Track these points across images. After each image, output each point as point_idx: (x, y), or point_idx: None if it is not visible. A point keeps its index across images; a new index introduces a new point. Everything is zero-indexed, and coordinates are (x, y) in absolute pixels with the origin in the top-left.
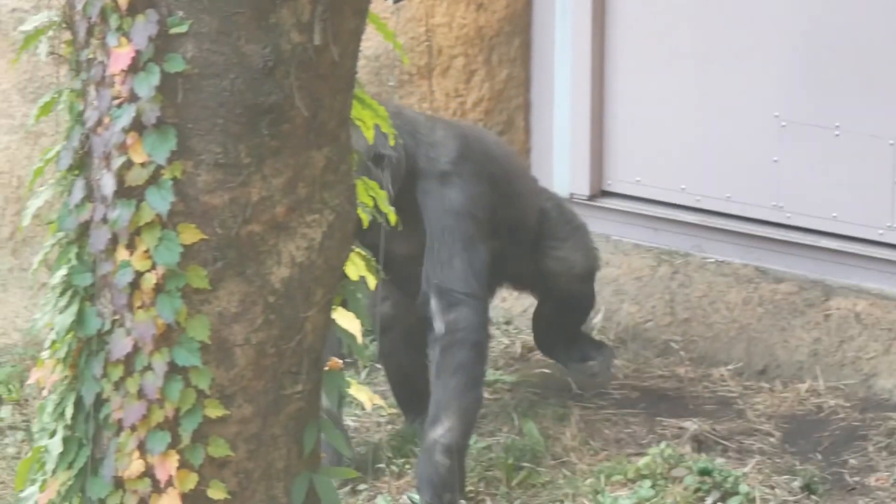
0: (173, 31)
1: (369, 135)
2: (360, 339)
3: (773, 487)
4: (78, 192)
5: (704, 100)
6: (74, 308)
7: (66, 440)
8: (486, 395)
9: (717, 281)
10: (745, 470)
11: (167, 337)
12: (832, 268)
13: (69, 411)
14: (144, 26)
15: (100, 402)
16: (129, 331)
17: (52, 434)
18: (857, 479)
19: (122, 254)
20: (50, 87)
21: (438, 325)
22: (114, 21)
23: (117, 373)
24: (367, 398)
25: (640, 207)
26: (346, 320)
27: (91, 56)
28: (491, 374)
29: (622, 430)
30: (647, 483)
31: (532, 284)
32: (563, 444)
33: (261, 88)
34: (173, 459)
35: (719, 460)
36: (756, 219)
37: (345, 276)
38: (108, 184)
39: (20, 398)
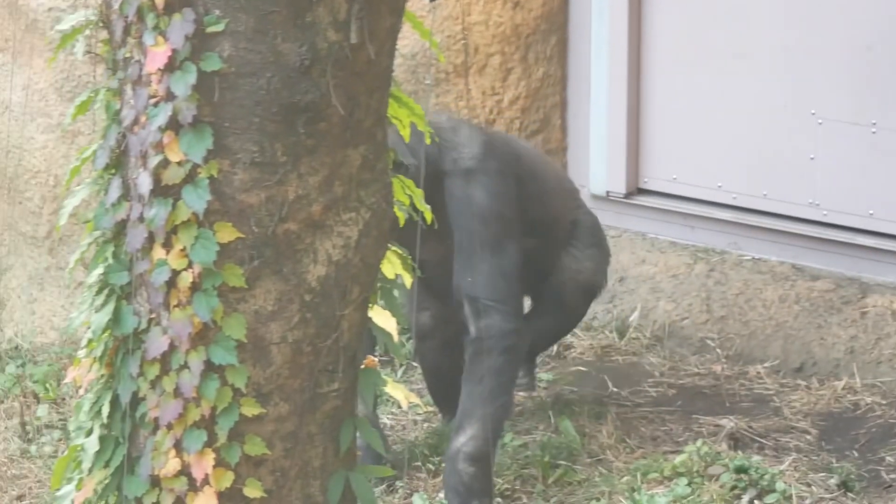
0: (210, 29)
1: (405, 133)
2: (396, 337)
3: (809, 485)
4: (114, 191)
5: (740, 97)
6: (111, 307)
7: (102, 439)
8: (521, 393)
9: (753, 278)
10: (782, 468)
11: (203, 335)
12: (868, 265)
13: (105, 410)
14: (181, 25)
15: (136, 400)
16: (166, 329)
17: (89, 433)
18: (893, 476)
19: (158, 252)
20: (87, 86)
21: (472, 330)
22: (150, 20)
23: (154, 371)
24: (404, 396)
25: (676, 205)
26: (382, 318)
27: (128, 55)
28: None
29: (658, 428)
30: (684, 481)
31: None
32: (600, 441)
33: (297, 87)
34: (209, 458)
35: (755, 458)
36: (792, 216)
37: (381, 274)
38: (144, 182)
39: (57, 397)
